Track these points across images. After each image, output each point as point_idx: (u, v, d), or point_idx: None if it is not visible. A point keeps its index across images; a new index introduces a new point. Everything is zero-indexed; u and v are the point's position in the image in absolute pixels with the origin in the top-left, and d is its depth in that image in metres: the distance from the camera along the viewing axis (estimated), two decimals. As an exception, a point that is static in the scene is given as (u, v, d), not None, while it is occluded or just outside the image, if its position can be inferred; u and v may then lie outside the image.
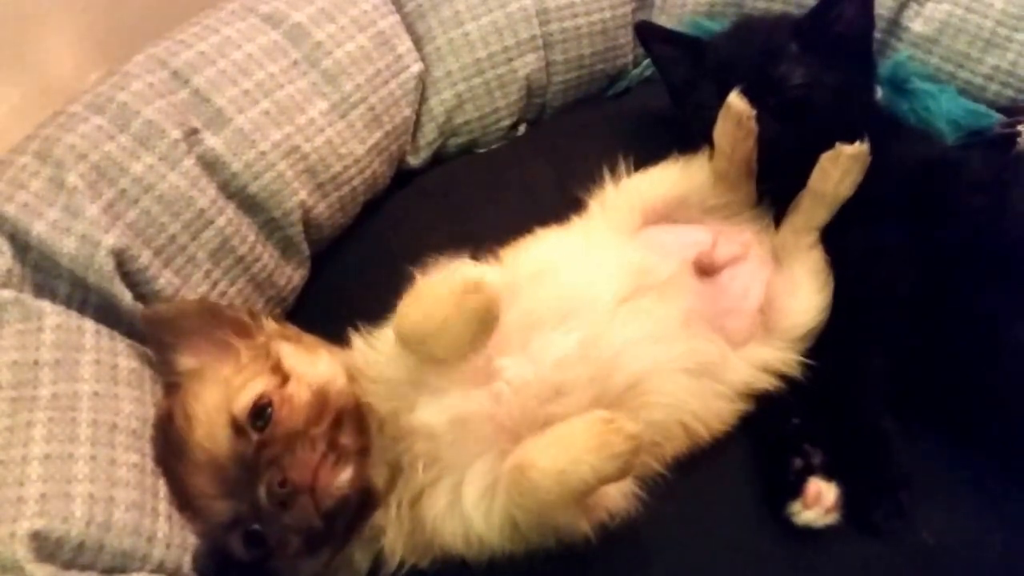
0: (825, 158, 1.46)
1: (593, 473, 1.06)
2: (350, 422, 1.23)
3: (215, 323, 1.29)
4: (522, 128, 2.01)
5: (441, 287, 1.18)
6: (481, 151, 1.96)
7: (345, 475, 1.19)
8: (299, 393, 1.21)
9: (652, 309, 1.33)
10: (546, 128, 2.01)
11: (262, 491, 1.13)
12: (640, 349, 1.28)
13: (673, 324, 1.33)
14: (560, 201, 1.58)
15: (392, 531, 1.24)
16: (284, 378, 1.22)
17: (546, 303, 1.28)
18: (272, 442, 1.16)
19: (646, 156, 1.63)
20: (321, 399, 1.22)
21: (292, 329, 1.36)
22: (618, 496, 1.20)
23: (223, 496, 1.16)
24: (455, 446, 1.21)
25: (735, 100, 1.45)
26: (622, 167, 1.57)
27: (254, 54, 1.58)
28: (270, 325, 1.33)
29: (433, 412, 1.21)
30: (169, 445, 1.20)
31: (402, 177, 1.88)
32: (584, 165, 1.59)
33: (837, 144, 1.44)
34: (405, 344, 1.21)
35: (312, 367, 1.26)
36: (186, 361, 1.28)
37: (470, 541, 1.19)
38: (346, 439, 1.21)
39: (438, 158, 1.93)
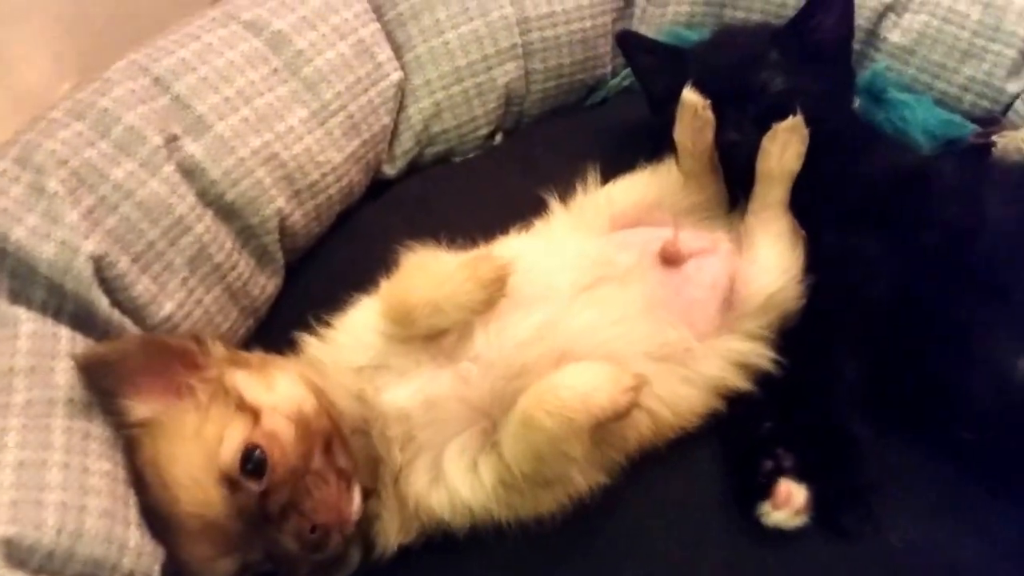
0: (765, 139, 1.48)
1: (611, 400, 1.14)
2: (338, 442, 1.22)
3: (161, 359, 1.22)
4: (499, 137, 2.01)
5: (446, 260, 1.27)
6: (457, 160, 1.96)
7: (357, 496, 1.19)
8: (281, 428, 1.16)
9: (612, 296, 1.37)
10: (523, 137, 2.01)
11: (290, 541, 1.11)
12: (599, 333, 1.31)
13: (633, 310, 1.36)
14: (535, 211, 1.57)
15: (385, 515, 1.26)
16: (255, 414, 1.17)
17: (512, 290, 1.29)
18: (277, 487, 1.13)
19: (621, 166, 1.64)
20: (304, 427, 1.18)
21: (239, 353, 1.33)
22: (593, 468, 1.24)
23: (226, 554, 1.13)
24: (430, 426, 1.24)
25: (688, 94, 1.48)
26: (593, 176, 1.59)
27: (235, 61, 1.58)
28: (218, 350, 1.28)
29: (403, 394, 1.24)
30: (153, 515, 1.16)
31: (377, 187, 1.89)
32: (560, 175, 1.60)
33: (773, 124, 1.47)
34: (402, 318, 1.24)
35: (275, 393, 1.21)
36: (138, 408, 1.19)
37: (456, 508, 1.22)
38: (343, 461, 1.21)
39: (414, 167, 1.93)
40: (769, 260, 1.47)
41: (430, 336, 1.27)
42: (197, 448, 1.13)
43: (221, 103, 1.53)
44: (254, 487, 1.12)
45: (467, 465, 1.22)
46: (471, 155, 1.97)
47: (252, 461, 1.12)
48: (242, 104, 1.55)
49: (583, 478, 1.22)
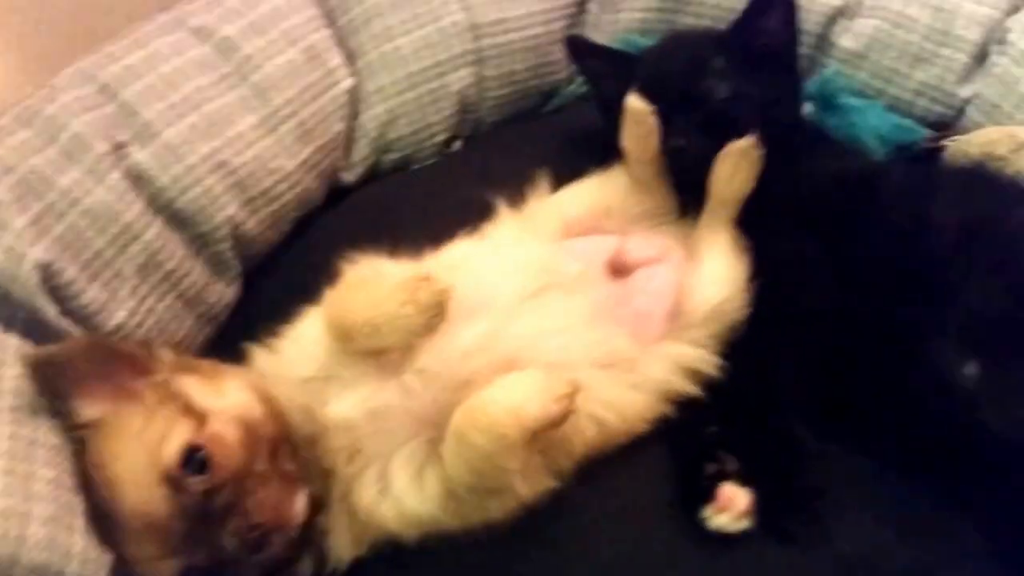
0: (718, 159, 1.49)
1: (543, 410, 1.12)
2: (284, 447, 1.22)
3: (108, 362, 1.22)
4: (457, 144, 2.01)
5: (387, 280, 1.23)
6: (416, 167, 1.95)
7: (302, 500, 1.19)
8: (225, 430, 1.17)
9: (558, 305, 1.36)
10: (480, 145, 2.01)
11: (230, 540, 1.12)
12: (544, 342, 1.30)
13: (579, 319, 1.36)
14: (490, 218, 1.57)
15: (336, 529, 1.25)
16: (200, 418, 1.17)
17: (456, 299, 1.28)
18: (219, 488, 1.13)
19: (577, 172, 1.65)
20: (249, 431, 1.19)
21: (189, 359, 1.33)
22: (537, 475, 1.23)
23: (171, 555, 1.13)
24: (375, 437, 1.23)
25: (632, 100, 1.49)
26: (544, 183, 1.59)
27: (183, 67, 1.58)
28: (167, 356, 1.28)
29: (347, 405, 1.23)
30: (99, 516, 1.17)
31: (338, 194, 1.88)
32: (515, 181, 1.60)
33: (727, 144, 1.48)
34: (342, 336, 1.23)
35: (223, 398, 1.22)
36: (86, 410, 1.20)
37: (405, 520, 1.21)
38: (288, 465, 1.21)
39: (373, 175, 1.93)
40: (714, 272, 1.47)
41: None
42: (141, 448, 1.14)
43: (168, 110, 1.52)
44: (196, 487, 1.12)
45: (413, 476, 1.21)
46: (429, 162, 1.97)
47: (194, 461, 1.13)
48: (190, 111, 1.55)
49: (527, 486, 1.21)
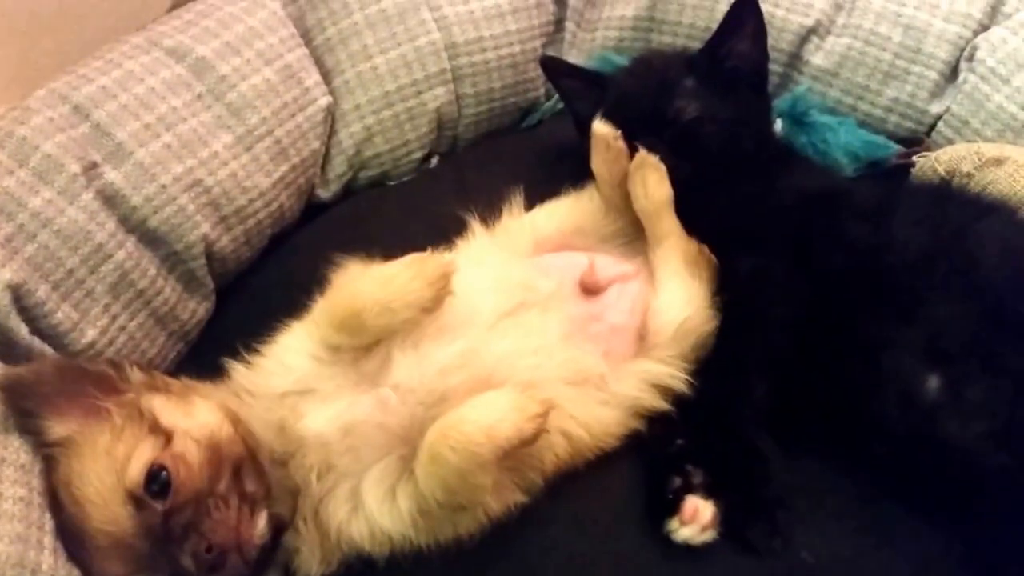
0: (628, 183, 1.53)
1: (516, 430, 1.14)
2: (249, 467, 1.22)
3: (78, 383, 1.23)
4: (434, 160, 2.03)
5: (390, 264, 1.27)
6: (392, 183, 1.97)
7: (262, 521, 1.19)
8: (189, 450, 1.17)
9: (532, 323, 1.37)
10: (458, 161, 2.03)
11: (188, 560, 1.12)
12: (519, 360, 1.32)
13: (552, 337, 1.37)
14: (465, 234, 1.58)
15: (305, 548, 1.25)
16: (167, 437, 1.18)
17: (434, 315, 1.30)
18: (180, 508, 1.14)
19: (554, 188, 1.66)
20: (214, 452, 1.19)
21: (160, 377, 1.32)
22: (508, 490, 1.25)
23: (136, 572, 1.14)
24: (348, 453, 1.23)
25: (599, 126, 1.52)
26: (518, 201, 1.60)
27: (157, 88, 1.59)
28: (136, 375, 1.27)
29: (322, 420, 1.24)
30: (68, 533, 1.17)
31: (314, 210, 1.89)
32: (491, 198, 1.61)
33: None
34: (347, 322, 1.25)
35: (191, 418, 1.22)
36: (56, 429, 1.21)
37: (376, 538, 1.22)
38: (251, 486, 1.21)
39: (349, 191, 1.94)
40: (672, 293, 1.48)
41: (357, 356, 1.27)
42: (107, 467, 1.15)
43: (142, 130, 1.53)
44: (158, 506, 1.13)
45: (385, 493, 1.22)
46: (406, 178, 1.98)
47: (157, 481, 1.14)
48: (164, 130, 1.56)
49: (499, 502, 1.23)
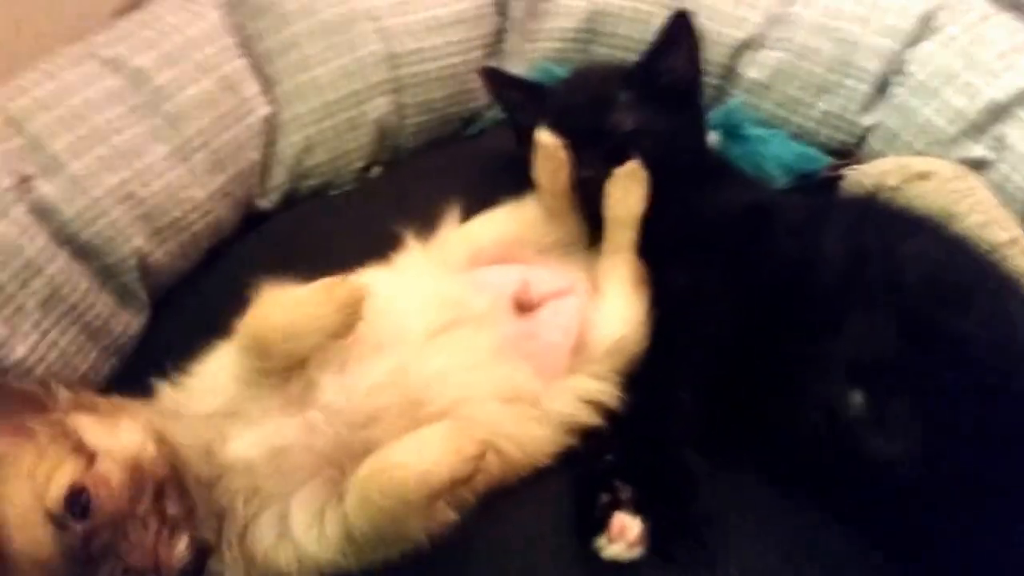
0: (608, 185, 1.52)
1: (451, 473, 1.11)
2: (172, 489, 1.21)
3: (5, 402, 1.21)
4: (376, 170, 2.02)
5: (302, 288, 1.23)
6: (334, 194, 1.96)
7: (182, 544, 1.17)
8: (112, 472, 1.15)
9: (464, 341, 1.36)
10: (399, 171, 2.02)
11: None
12: (450, 379, 1.31)
13: (484, 355, 1.36)
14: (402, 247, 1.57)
15: (230, 572, 1.23)
16: (90, 457, 1.16)
17: (361, 333, 1.29)
18: (99, 530, 1.12)
19: (494, 198, 1.66)
20: (136, 473, 1.18)
21: (87, 396, 1.29)
22: (440, 514, 1.23)
23: None
24: (274, 477, 1.21)
25: (542, 134, 1.52)
26: (455, 212, 1.60)
27: (92, 99, 1.58)
28: (64, 394, 1.25)
29: (247, 444, 1.21)
30: None
31: (255, 220, 1.89)
32: (432, 208, 1.61)
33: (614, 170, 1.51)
34: (258, 348, 1.22)
35: (115, 438, 1.20)
36: None
37: (304, 564, 1.20)
38: (173, 508, 1.19)
39: (290, 201, 1.93)
40: (615, 308, 1.48)
41: (283, 378, 1.25)
42: (29, 488, 1.12)
43: (76, 142, 1.52)
44: (78, 528, 1.12)
45: (312, 518, 1.20)
46: (348, 188, 1.98)
47: (78, 503, 1.12)
48: (98, 142, 1.54)
49: (429, 527, 1.21)
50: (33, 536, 1.11)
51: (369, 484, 1.13)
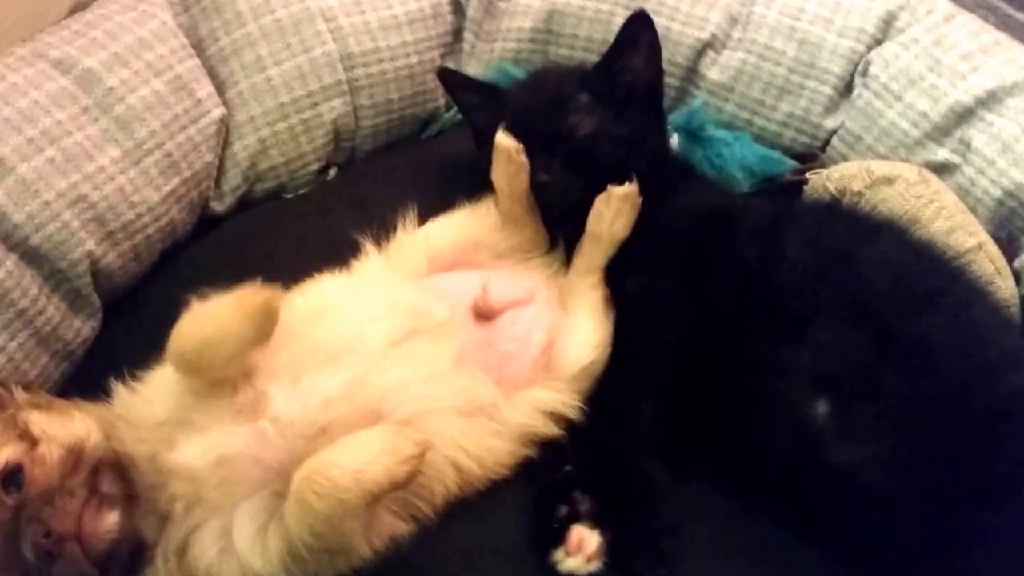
0: (599, 200, 1.51)
1: (387, 474, 1.10)
2: (109, 471, 1.20)
3: None
4: (332, 172, 2.00)
5: (217, 300, 1.21)
6: (289, 196, 1.94)
7: (111, 518, 1.16)
8: (50, 452, 1.17)
9: (423, 351, 1.35)
10: (355, 173, 2.00)
11: (27, 548, 1.11)
12: (409, 390, 1.29)
13: (444, 365, 1.34)
14: (359, 250, 1.56)
15: None
16: (33, 442, 1.17)
17: (317, 343, 1.28)
18: (29, 502, 1.13)
19: (451, 201, 1.65)
20: (75, 454, 1.18)
21: (43, 397, 1.31)
22: (387, 526, 1.23)
23: None
24: (219, 488, 1.19)
25: (501, 138, 1.51)
26: (411, 215, 1.58)
27: (41, 101, 1.54)
28: (20, 395, 1.28)
29: (194, 452, 1.19)
30: None
31: (209, 224, 1.86)
32: (389, 211, 1.59)
33: (609, 186, 1.50)
34: (181, 362, 1.20)
35: (63, 428, 1.21)
36: None
37: None
38: (107, 487, 1.19)
39: (245, 204, 1.91)
40: (585, 334, 1.47)
41: (232, 387, 1.23)
42: None
43: (24, 144, 1.49)
44: (9, 501, 1.12)
45: (256, 532, 1.17)
46: (303, 190, 1.95)
47: (12, 479, 1.13)
48: (47, 144, 1.51)
49: (380, 535, 1.21)
50: None
51: (304, 486, 1.11)
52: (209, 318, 1.19)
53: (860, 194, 1.64)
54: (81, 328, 1.59)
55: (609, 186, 1.49)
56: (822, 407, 1.29)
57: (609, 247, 1.53)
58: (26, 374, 1.48)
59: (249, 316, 1.19)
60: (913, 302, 1.33)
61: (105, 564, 1.15)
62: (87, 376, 1.55)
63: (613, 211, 1.51)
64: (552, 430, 1.39)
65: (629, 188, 1.50)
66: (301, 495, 1.11)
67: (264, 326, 1.20)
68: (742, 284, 1.41)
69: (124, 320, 1.67)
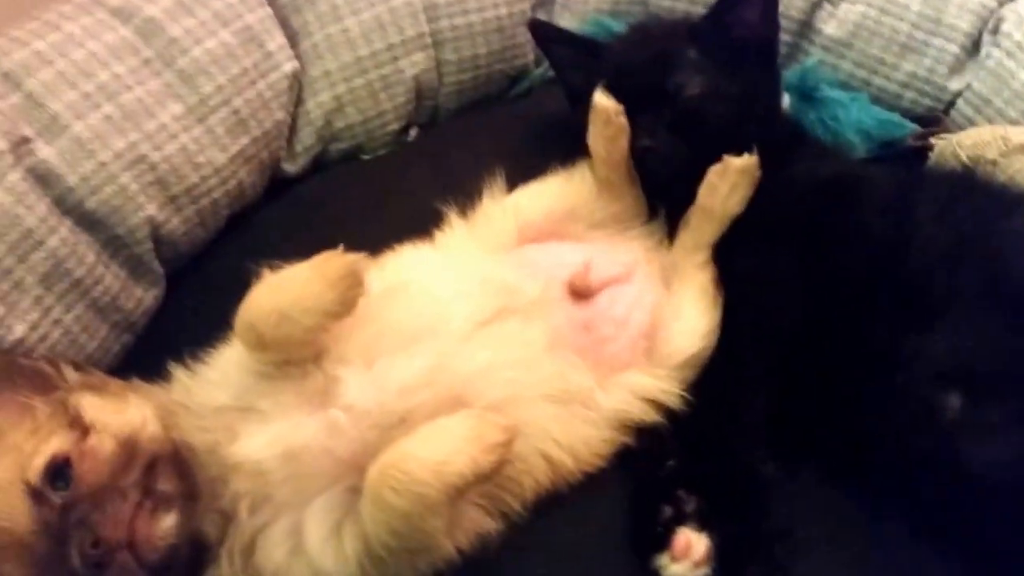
0: (712, 171, 1.42)
1: (471, 464, 1.03)
2: (167, 466, 1.12)
3: (9, 379, 1.16)
4: (413, 132, 1.93)
5: (293, 267, 1.15)
6: (367, 157, 1.86)
7: (168, 522, 1.08)
8: (102, 445, 1.09)
9: (513, 333, 1.27)
10: (438, 133, 1.93)
11: (74, 555, 1.03)
12: (496, 375, 1.21)
13: (536, 349, 1.26)
14: (440, 216, 1.48)
15: None
16: (85, 431, 1.10)
17: (396, 324, 1.21)
18: (77, 502, 1.05)
19: (543, 166, 1.56)
20: (129, 447, 1.10)
21: (97, 376, 1.24)
22: (473, 523, 1.15)
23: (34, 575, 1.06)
24: (288, 483, 1.11)
25: (599, 97, 1.42)
26: (500, 182, 1.50)
27: (98, 53, 1.46)
28: (71, 374, 1.21)
29: (259, 444, 1.12)
30: None
31: (281, 186, 1.79)
32: (474, 176, 1.51)
33: (725, 156, 1.41)
34: (252, 336, 1.13)
35: (118, 415, 1.14)
36: None
37: None
38: (164, 485, 1.11)
39: (320, 165, 1.84)
40: (692, 321, 1.38)
41: (301, 371, 1.16)
42: (14, 460, 1.08)
43: (80, 100, 1.41)
44: (57, 500, 1.06)
45: (330, 531, 1.10)
46: (382, 152, 1.88)
47: (60, 473, 1.07)
48: (105, 101, 1.43)
49: (467, 533, 1.13)
50: (10, 511, 1.06)
51: (379, 482, 1.03)
52: (286, 286, 1.13)
53: (994, 163, 1.52)
54: (143, 297, 1.52)
55: (725, 156, 1.40)
56: (955, 401, 1.20)
57: (721, 223, 1.43)
58: (84, 347, 1.42)
59: (332, 283, 1.11)
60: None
61: (161, 572, 1.08)
62: (150, 348, 1.49)
63: (729, 184, 1.40)
64: (651, 416, 1.30)
65: (748, 159, 1.40)
66: (377, 491, 1.03)
67: (348, 295, 1.13)
68: (864, 263, 1.32)
69: (188, 291, 1.61)
